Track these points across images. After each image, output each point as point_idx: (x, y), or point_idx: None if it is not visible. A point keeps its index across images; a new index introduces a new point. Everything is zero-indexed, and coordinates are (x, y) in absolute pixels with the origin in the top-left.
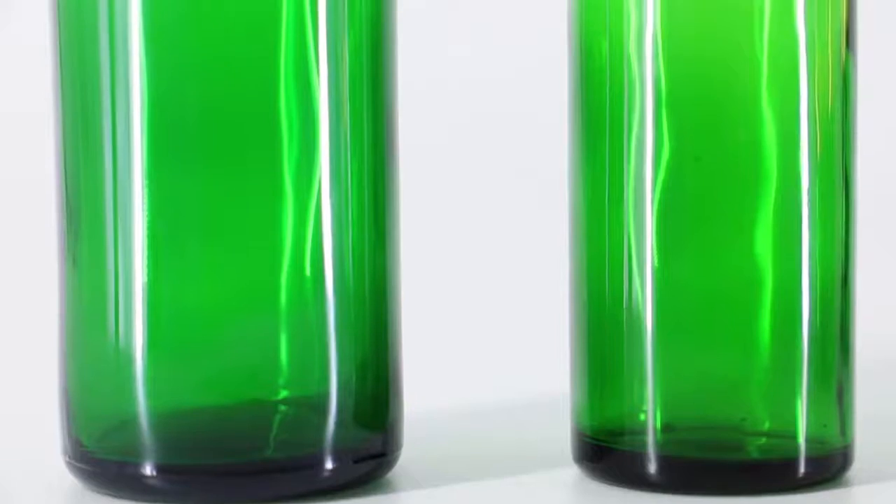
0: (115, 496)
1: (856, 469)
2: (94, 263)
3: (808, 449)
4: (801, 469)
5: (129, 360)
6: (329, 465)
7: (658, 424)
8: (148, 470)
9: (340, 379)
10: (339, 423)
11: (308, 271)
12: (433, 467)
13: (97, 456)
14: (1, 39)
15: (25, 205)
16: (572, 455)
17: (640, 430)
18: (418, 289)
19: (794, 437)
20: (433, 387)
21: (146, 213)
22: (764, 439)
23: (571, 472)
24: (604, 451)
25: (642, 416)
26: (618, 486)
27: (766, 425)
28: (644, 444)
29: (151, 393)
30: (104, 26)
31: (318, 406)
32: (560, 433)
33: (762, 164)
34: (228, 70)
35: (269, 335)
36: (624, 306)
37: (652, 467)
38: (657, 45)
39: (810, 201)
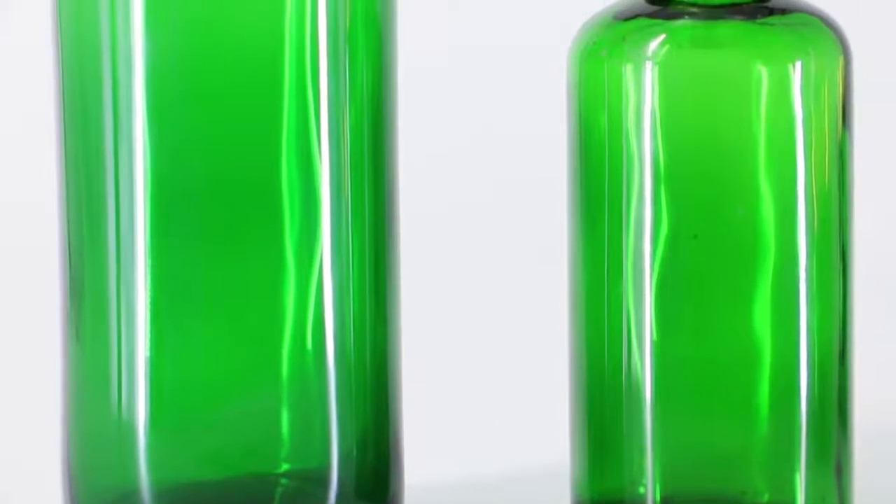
0: None
1: None
2: (97, 337)
3: None
4: None
5: (131, 434)
6: None
7: (657, 497)
8: None
9: (342, 452)
10: (341, 495)
11: (309, 344)
12: None
13: None
14: (7, 114)
15: (29, 277)
16: None
17: (640, 503)
18: (419, 360)
19: None
20: (434, 458)
21: (149, 287)
22: None
23: None
24: None
25: (641, 489)
26: None
27: (766, 498)
28: None
29: (153, 466)
30: (108, 103)
31: (320, 479)
32: None
33: (760, 240)
34: (230, 146)
35: (271, 408)
36: (623, 379)
37: None
38: (655, 120)
39: (808, 277)
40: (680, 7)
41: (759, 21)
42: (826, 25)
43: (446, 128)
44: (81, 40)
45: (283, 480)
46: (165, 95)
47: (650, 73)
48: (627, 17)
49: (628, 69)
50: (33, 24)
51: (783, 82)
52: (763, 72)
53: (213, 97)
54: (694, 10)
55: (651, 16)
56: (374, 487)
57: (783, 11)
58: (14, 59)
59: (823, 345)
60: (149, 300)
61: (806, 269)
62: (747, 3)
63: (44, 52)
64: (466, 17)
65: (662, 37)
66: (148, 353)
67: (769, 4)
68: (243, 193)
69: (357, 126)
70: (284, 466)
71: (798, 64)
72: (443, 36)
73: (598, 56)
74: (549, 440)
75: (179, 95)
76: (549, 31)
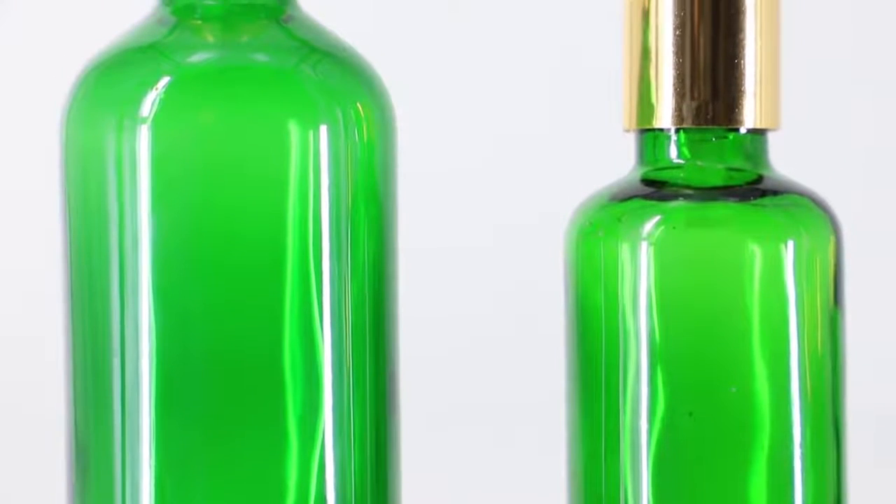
0: None
1: None
2: None
3: None
4: None
5: None
6: None
7: None
8: None
9: None
10: None
11: None
12: None
13: None
14: (11, 268)
15: (35, 448)
16: None
17: None
18: None
19: None
20: None
21: (153, 462)
22: None
23: None
24: None
25: None
26: None
27: None
28: None
29: None
30: (115, 279)
31: None
32: None
33: (755, 416)
34: (234, 323)
35: None
36: None
37: None
38: (651, 299)
39: (803, 452)
40: (674, 188)
41: (751, 202)
42: (817, 206)
43: (446, 305)
44: (89, 217)
45: None
46: (171, 272)
47: (646, 253)
48: (623, 197)
49: (624, 249)
50: (42, 197)
51: (776, 261)
52: (756, 251)
53: (216, 274)
54: (688, 191)
55: (646, 197)
56: None
57: (775, 193)
58: (18, 233)
59: None
60: (153, 475)
61: (800, 444)
62: (740, 185)
63: (51, 224)
64: (465, 194)
65: (658, 217)
66: None
67: (761, 186)
68: (246, 369)
69: (358, 303)
70: None
71: (790, 243)
72: (442, 211)
73: (595, 236)
74: None
75: (184, 272)
76: (545, 209)
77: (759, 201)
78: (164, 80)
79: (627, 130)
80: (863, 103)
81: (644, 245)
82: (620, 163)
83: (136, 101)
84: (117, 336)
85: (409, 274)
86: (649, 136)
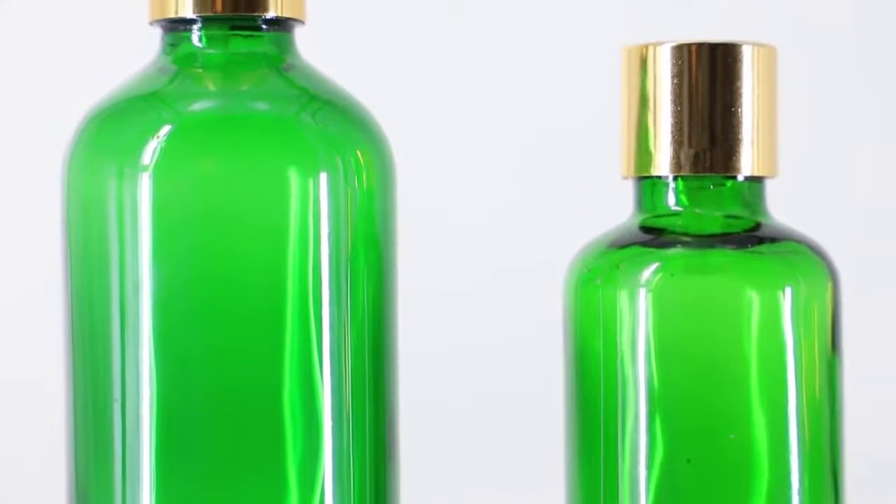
0: None
1: None
2: None
3: None
4: None
5: None
6: None
7: None
8: None
9: None
10: None
11: None
12: None
13: None
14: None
15: (34, 499)
16: None
17: None
18: None
19: None
20: None
21: None
22: None
23: None
24: None
25: None
26: None
27: None
28: None
29: None
30: (115, 326)
31: None
32: None
33: (753, 462)
34: (234, 369)
35: None
36: None
37: None
38: (650, 346)
39: (801, 500)
40: (673, 236)
41: (749, 249)
42: (814, 253)
43: (446, 351)
44: (90, 263)
45: None
46: (171, 318)
47: (644, 300)
48: (622, 244)
49: (623, 296)
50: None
51: (773, 308)
52: (754, 298)
53: (217, 320)
54: (687, 238)
55: (645, 244)
56: None
57: (773, 240)
58: (19, 280)
59: None
60: None
61: (799, 491)
62: (738, 233)
63: (52, 270)
64: (464, 240)
65: (656, 265)
66: None
67: (759, 233)
68: (247, 415)
69: (358, 348)
70: None
71: (788, 290)
72: (442, 256)
73: (593, 283)
74: None
75: (185, 319)
76: (544, 256)
77: (756, 248)
78: (166, 129)
79: (626, 178)
80: (860, 151)
81: (642, 292)
82: (620, 209)
83: (138, 149)
84: (118, 382)
85: (409, 318)
86: (647, 184)
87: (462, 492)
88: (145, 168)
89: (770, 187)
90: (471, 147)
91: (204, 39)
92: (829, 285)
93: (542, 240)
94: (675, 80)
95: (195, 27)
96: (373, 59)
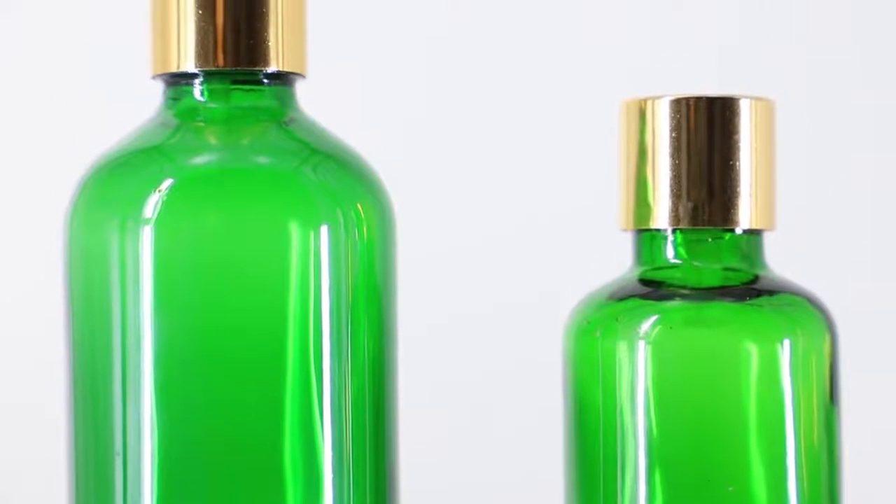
0: None
1: None
2: None
3: None
4: None
5: None
6: None
7: None
8: None
9: None
10: None
11: None
12: None
13: None
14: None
15: None
16: None
17: None
18: None
19: None
20: None
21: None
22: None
23: None
24: None
25: None
26: None
27: None
28: None
29: None
30: (117, 378)
31: None
32: None
33: None
34: (235, 419)
35: None
36: None
37: None
38: (649, 398)
39: None
40: (672, 288)
41: (748, 302)
42: (812, 306)
43: (445, 401)
44: (92, 316)
45: None
46: (173, 371)
47: (643, 352)
48: (621, 297)
49: (622, 348)
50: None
51: (772, 360)
52: (753, 350)
53: (218, 373)
54: (685, 291)
55: (644, 296)
56: None
57: (771, 293)
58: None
59: None
60: None
61: None
62: (736, 285)
63: (53, 322)
64: (463, 292)
65: (655, 317)
66: None
67: (757, 286)
68: (248, 466)
69: (358, 399)
70: None
71: (786, 343)
72: (442, 308)
73: (593, 335)
74: None
75: (186, 371)
76: (545, 308)
77: (755, 301)
78: (167, 182)
79: (625, 230)
80: (857, 204)
81: (642, 344)
82: (619, 261)
83: (139, 203)
84: (119, 435)
85: (409, 367)
86: (646, 236)
87: None
88: (147, 221)
89: (768, 240)
90: (470, 199)
91: (206, 93)
92: (827, 337)
93: (542, 292)
94: (673, 134)
95: (197, 81)
96: (373, 111)
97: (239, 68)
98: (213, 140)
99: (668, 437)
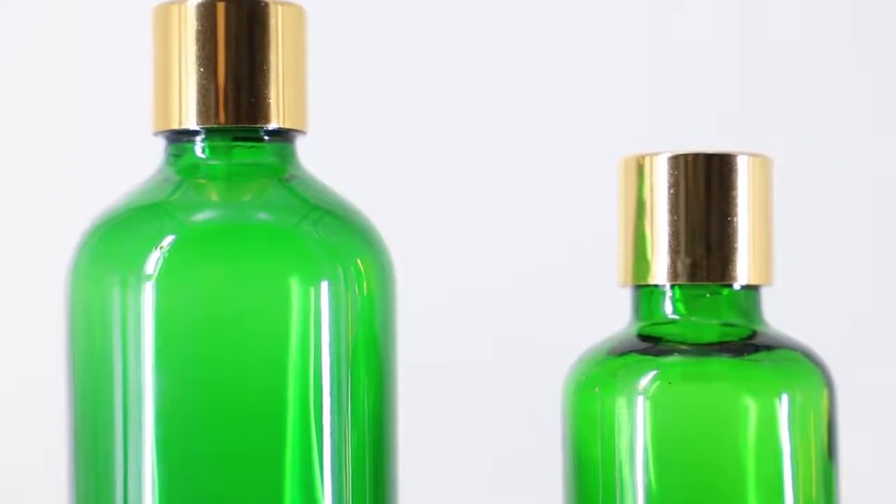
0: None
1: None
2: None
3: None
4: None
5: None
6: None
7: None
8: None
9: None
10: None
11: None
12: None
13: None
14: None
15: None
16: None
17: None
18: None
19: None
20: None
21: None
22: None
23: None
24: None
25: None
26: None
27: None
28: None
29: None
30: (119, 435)
31: None
32: None
33: None
34: (236, 472)
35: None
36: None
37: None
38: (647, 452)
39: None
40: (670, 344)
41: (746, 357)
42: (810, 360)
43: (445, 454)
44: (93, 371)
45: None
46: (174, 425)
47: (642, 407)
48: (620, 352)
49: (621, 403)
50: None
51: (770, 415)
52: (751, 405)
53: (219, 427)
54: (684, 346)
55: (643, 352)
56: None
57: (769, 348)
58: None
59: None
60: None
61: None
62: (734, 341)
63: (55, 378)
64: (462, 349)
65: (654, 372)
66: None
67: (755, 341)
68: None
69: (359, 453)
70: None
71: (784, 397)
72: (441, 360)
73: (592, 391)
74: None
75: (187, 425)
76: (543, 364)
77: (753, 356)
78: (169, 239)
79: (623, 286)
80: (855, 259)
81: (640, 399)
82: (618, 317)
83: (141, 259)
84: (120, 490)
85: (409, 425)
86: (645, 292)
87: None
88: (149, 277)
89: (766, 295)
90: (469, 255)
91: (207, 150)
92: (825, 392)
93: (541, 348)
94: (671, 190)
95: (198, 138)
96: (373, 167)
97: (240, 125)
98: (214, 197)
99: (667, 492)
